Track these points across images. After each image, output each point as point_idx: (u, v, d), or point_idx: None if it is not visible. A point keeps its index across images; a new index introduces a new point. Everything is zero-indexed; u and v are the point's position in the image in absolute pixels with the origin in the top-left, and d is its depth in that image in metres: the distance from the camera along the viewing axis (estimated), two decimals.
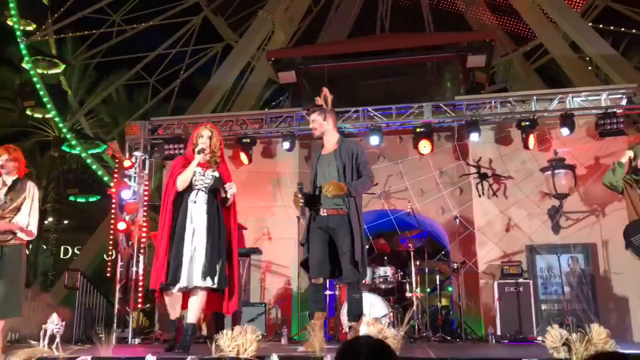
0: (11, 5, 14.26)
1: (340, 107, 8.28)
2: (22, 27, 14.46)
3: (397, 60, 10.32)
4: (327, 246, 4.67)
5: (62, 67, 15.58)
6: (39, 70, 14.61)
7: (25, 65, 14.68)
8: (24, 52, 14.49)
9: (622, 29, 15.79)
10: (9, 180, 5.40)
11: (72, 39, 17.72)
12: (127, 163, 9.24)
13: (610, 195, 8.14)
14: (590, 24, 15.33)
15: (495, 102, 9.00)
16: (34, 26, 14.75)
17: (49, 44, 15.97)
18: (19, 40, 14.43)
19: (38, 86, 14.29)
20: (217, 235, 4.62)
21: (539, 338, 6.42)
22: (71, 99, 16.31)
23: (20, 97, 14.86)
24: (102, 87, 17.78)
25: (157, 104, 18.62)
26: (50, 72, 15.14)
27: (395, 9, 19.21)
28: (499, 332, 7.60)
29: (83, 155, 14.83)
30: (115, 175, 9.45)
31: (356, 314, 4.53)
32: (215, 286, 4.52)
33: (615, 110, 8.42)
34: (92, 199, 16.11)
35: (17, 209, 5.23)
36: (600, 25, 15.32)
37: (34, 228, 5.32)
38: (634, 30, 15.64)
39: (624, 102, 8.60)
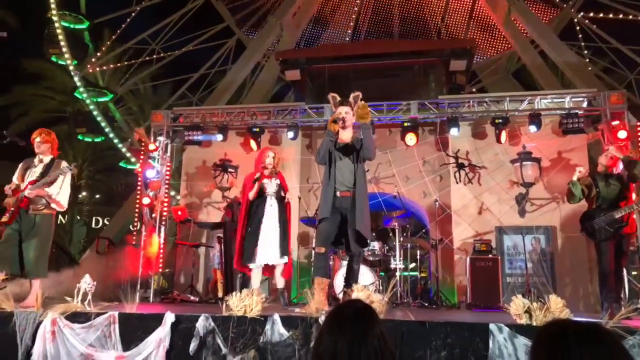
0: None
1: None
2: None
3: (389, 63, 10.26)
4: (336, 222, 4.72)
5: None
6: (64, 24, 14.53)
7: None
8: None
9: (582, 44, 15.74)
10: (46, 159, 5.43)
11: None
12: (151, 147, 9.23)
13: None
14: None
15: (473, 102, 8.95)
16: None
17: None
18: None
19: (60, 36, 14.23)
20: (285, 226, 5.58)
21: (505, 306, 6.49)
22: (91, 53, 16.05)
23: (46, 44, 14.77)
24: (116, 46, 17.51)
25: (180, 96, 18.56)
26: (75, 26, 15.05)
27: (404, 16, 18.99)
28: (469, 301, 7.63)
29: (87, 101, 14.71)
30: (142, 157, 9.44)
31: (352, 282, 4.56)
32: (287, 261, 5.50)
33: (577, 111, 8.39)
34: (97, 140, 15.97)
35: (51, 183, 5.26)
36: (568, 41, 15.24)
37: (63, 201, 5.35)
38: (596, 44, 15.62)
39: (584, 104, 8.56)
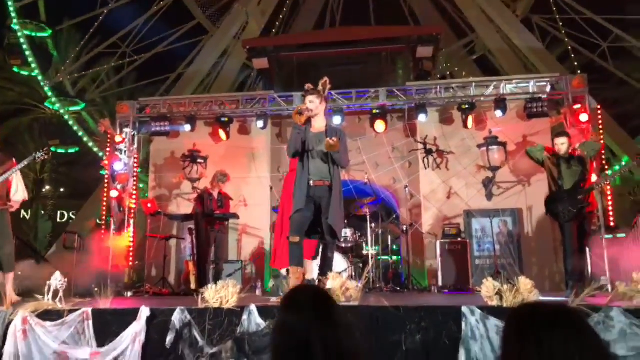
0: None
1: None
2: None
3: (357, 50, 10.28)
4: (311, 212, 4.73)
5: (50, 31, 14.95)
6: (27, 32, 14.05)
7: (14, 26, 14.05)
8: (13, 14, 13.85)
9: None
10: None
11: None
12: (118, 138, 9.07)
13: (535, 168, 8.33)
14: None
15: (440, 88, 9.05)
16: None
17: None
18: (9, 3, 13.75)
19: (24, 46, 13.77)
20: None
21: (475, 288, 6.65)
22: (57, 62, 15.63)
23: (8, 55, 14.30)
24: (83, 52, 17.05)
25: (144, 87, 18.17)
26: (38, 34, 14.56)
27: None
28: (440, 284, 7.77)
29: (62, 112, 14.37)
30: (108, 149, 9.25)
31: (327, 270, 4.60)
32: None
33: (540, 95, 8.58)
34: (71, 150, 15.62)
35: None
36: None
37: (21, 197, 5.29)
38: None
39: (548, 88, 8.76)
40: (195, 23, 17.34)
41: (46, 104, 14.88)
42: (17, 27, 13.81)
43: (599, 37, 15.27)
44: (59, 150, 15.76)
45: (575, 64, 14.24)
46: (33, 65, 13.82)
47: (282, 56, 10.45)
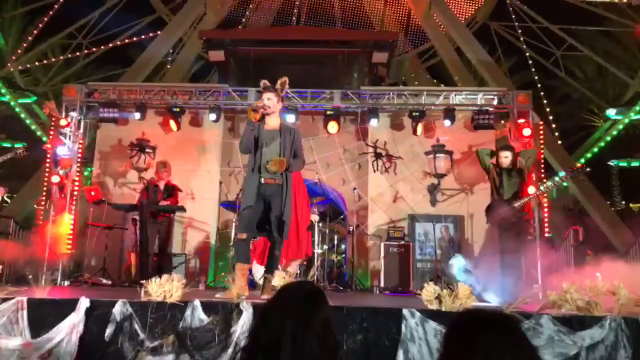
0: None
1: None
2: None
3: (314, 50, 10.34)
4: (259, 209, 4.70)
5: (34, 98, 14.43)
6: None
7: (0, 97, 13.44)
8: None
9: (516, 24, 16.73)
10: None
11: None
12: (63, 122, 8.71)
13: (477, 177, 8.70)
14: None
15: (392, 94, 9.21)
16: None
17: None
18: None
19: (23, 116, 13.18)
20: None
21: (416, 291, 6.82)
22: (4, 50, 14.95)
23: None
24: (36, 42, 16.32)
25: (91, 69, 17.58)
26: (23, 101, 13.96)
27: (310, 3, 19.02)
28: (382, 285, 7.94)
29: (12, 104, 13.75)
30: (52, 132, 8.88)
31: (274, 268, 4.61)
32: None
33: (488, 108, 8.90)
34: (17, 145, 14.96)
35: None
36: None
37: None
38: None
39: (495, 102, 9.09)
40: (157, 16, 16.90)
41: None
42: None
43: (554, 45, 15.96)
44: (4, 144, 14.99)
45: (530, 72, 14.92)
46: None
47: (239, 50, 10.38)
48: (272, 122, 4.86)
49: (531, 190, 6.46)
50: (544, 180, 8.49)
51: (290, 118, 8.69)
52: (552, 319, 3.57)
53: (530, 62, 15.65)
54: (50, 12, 15.09)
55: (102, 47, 16.38)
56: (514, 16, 15.76)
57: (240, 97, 9.14)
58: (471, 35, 15.06)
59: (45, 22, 15.31)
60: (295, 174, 5.58)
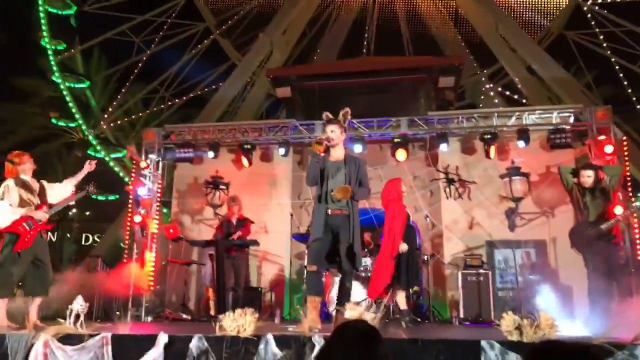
0: (43, 28, 14.21)
1: None
2: (53, 46, 14.44)
3: (378, 80, 10.37)
4: (328, 240, 4.72)
5: (87, 83, 15.58)
6: (68, 84, 14.60)
7: (55, 79, 14.64)
8: (54, 67, 14.44)
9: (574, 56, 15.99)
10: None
11: (97, 56, 17.76)
12: (143, 164, 9.25)
13: (558, 199, 8.27)
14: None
15: (461, 118, 9.05)
16: (64, 45, 14.71)
17: (77, 62, 15.96)
18: (50, 57, 14.38)
19: (67, 98, 14.31)
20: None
21: (496, 321, 6.51)
22: (95, 110, 16.28)
23: (47, 108, 14.91)
24: (123, 98, 17.67)
25: (170, 114, 18.61)
26: (76, 86, 15.13)
27: (379, 32, 19.22)
28: (462, 315, 7.65)
29: (107, 159, 14.83)
30: (133, 175, 9.44)
31: (345, 300, 4.58)
32: None
33: (564, 126, 8.51)
34: (111, 198, 16.01)
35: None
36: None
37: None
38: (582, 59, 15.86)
39: (571, 119, 8.69)
40: (231, 63, 17.80)
41: (89, 152, 15.48)
42: (59, 80, 14.40)
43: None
44: (60, 123, 16.12)
45: (614, 84, 14.01)
46: (77, 116, 14.41)
47: (304, 85, 10.61)
48: (337, 154, 4.90)
49: (618, 210, 6.04)
50: (633, 199, 7.95)
51: (358, 148, 8.72)
52: None
53: (617, 67, 14.57)
54: (136, 70, 16.35)
55: (184, 97, 17.43)
56: (593, 22, 14.92)
57: (308, 131, 9.30)
58: (542, 52, 14.60)
59: (131, 80, 16.63)
60: (394, 208, 6.12)
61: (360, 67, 10.94)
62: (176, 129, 10.00)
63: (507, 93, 17.86)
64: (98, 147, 14.86)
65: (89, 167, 5.80)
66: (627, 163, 8.19)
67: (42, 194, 5.48)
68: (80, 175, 5.82)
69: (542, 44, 16.33)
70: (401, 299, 6.42)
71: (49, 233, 5.78)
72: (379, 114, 9.29)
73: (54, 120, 15.12)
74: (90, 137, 14.76)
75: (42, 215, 5.31)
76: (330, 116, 4.93)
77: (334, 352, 1.71)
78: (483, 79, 18.12)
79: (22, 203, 5.30)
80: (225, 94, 15.31)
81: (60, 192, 5.66)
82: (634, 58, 14.88)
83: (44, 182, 5.63)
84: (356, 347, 1.70)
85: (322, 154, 4.78)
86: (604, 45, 14.76)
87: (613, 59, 14.55)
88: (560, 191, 7.77)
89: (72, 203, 5.63)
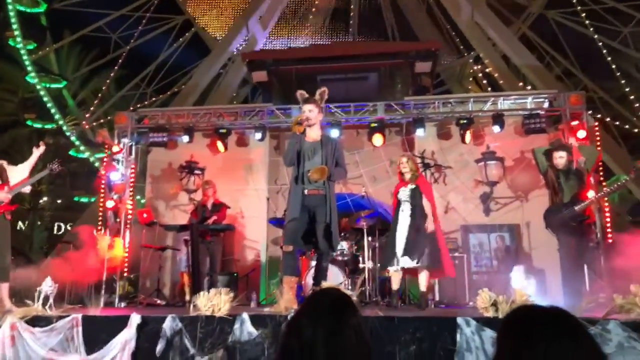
0: (14, 26, 13.77)
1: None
2: (24, 46, 14.03)
3: (356, 65, 10.31)
4: (304, 221, 4.70)
5: (64, 82, 15.25)
6: (43, 84, 14.24)
7: (31, 80, 14.27)
8: (29, 68, 14.04)
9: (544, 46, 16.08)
10: None
11: (71, 50, 17.36)
12: (115, 149, 9.04)
13: (532, 184, 8.37)
14: (528, 30, 15.69)
15: (438, 103, 9.07)
16: (34, 45, 14.30)
17: (50, 61, 15.59)
18: (24, 57, 13.97)
19: (46, 99, 13.97)
20: (418, 230, 5.85)
21: (471, 303, 6.57)
22: (74, 110, 15.95)
23: (22, 110, 14.55)
24: (106, 97, 17.35)
25: (142, 96, 18.29)
26: (52, 86, 14.79)
27: (362, 17, 19.05)
28: (437, 298, 7.71)
29: (91, 159, 14.55)
30: (105, 159, 9.23)
31: (321, 280, 4.56)
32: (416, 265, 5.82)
33: (538, 111, 8.59)
34: (48, 126, 15.75)
35: None
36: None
37: None
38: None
39: (546, 105, 8.78)
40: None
41: (71, 152, 15.23)
42: (34, 81, 14.01)
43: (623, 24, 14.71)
44: (36, 125, 15.80)
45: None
46: (57, 117, 14.06)
47: (281, 69, 10.49)
48: (313, 134, 4.86)
49: (590, 194, 6.13)
50: (604, 184, 8.09)
51: (334, 133, 8.65)
52: (621, 324, 3.33)
53: (600, 43, 14.45)
54: (115, 67, 16.06)
55: (168, 92, 17.14)
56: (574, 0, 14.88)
57: (284, 115, 9.22)
58: (517, 40, 14.68)
59: (111, 78, 16.37)
60: (423, 188, 5.90)
61: (338, 52, 10.87)
62: (150, 112, 9.82)
63: (485, 82, 17.92)
64: (82, 148, 14.53)
65: (38, 151, 5.68)
66: (598, 149, 8.31)
67: (2, 174, 5.30)
68: (32, 159, 5.67)
69: (525, 24, 16.42)
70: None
71: (20, 222, 5.65)
72: (356, 99, 9.24)
73: (29, 122, 14.77)
74: (73, 138, 14.42)
75: (3, 196, 5.14)
76: (306, 95, 4.88)
77: (304, 319, 1.65)
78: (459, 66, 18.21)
79: None
80: (199, 79, 15.07)
81: (18, 175, 5.50)
82: (616, 35, 14.92)
83: (3, 163, 5.46)
84: (326, 314, 1.64)
85: (301, 134, 4.73)
86: (586, 22, 14.65)
87: (595, 36, 14.53)
88: (534, 175, 7.88)
89: (35, 182, 5.48)
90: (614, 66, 14.39)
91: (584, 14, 14.66)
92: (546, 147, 6.44)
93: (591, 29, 14.57)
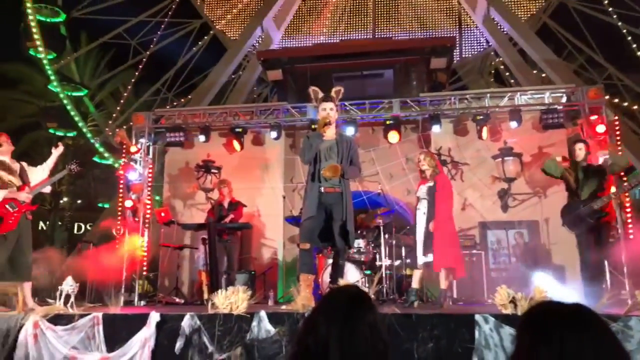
0: (36, 36, 13.98)
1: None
2: (45, 56, 14.26)
3: (370, 62, 10.26)
4: (321, 219, 4.72)
5: (85, 91, 15.51)
6: (66, 92, 14.51)
7: (54, 89, 14.52)
8: (52, 77, 14.27)
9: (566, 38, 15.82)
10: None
11: (88, 53, 17.75)
12: (133, 149, 9.13)
13: (550, 180, 8.22)
14: (548, 19, 15.46)
15: (454, 99, 8.98)
16: (54, 55, 14.53)
17: (71, 69, 15.86)
18: (47, 67, 14.20)
19: (69, 107, 14.22)
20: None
21: (489, 300, 6.52)
22: (97, 116, 16.23)
23: (44, 119, 14.84)
24: (112, 83, 17.60)
25: (162, 101, 18.48)
26: (74, 94, 15.05)
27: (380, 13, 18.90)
28: (455, 296, 7.66)
29: (116, 165, 14.80)
30: (123, 159, 9.33)
31: (337, 277, 4.57)
32: (431, 260, 5.92)
33: (556, 106, 8.48)
34: (70, 134, 15.91)
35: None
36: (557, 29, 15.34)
37: None
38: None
39: (564, 99, 8.66)
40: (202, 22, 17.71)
41: (95, 159, 15.50)
42: (57, 90, 14.32)
43: None
44: (58, 133, 16.03)
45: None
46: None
47: (295, 68, 10.49)
48: (330, 133, 4.89)
49: (612, 190, 6.05)
50: (625, 179, 7.96)
51: (350, 130, 8.64)
52: None
53: (625, 31, 14.08)
54: (137, 73, 16.29)
55: (189, 96, 17.26)
56: None
57: (299, 114, 9.22)
58: (533, 35, 14.50)
59: (132, 84, 16.59)
60: (441, 185, 5.90)
61: (352, 49, 10.83)
62: (166, 112, 9.89)
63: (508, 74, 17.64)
64: (106, 155, 14.76)
65: (57, 152, 5.77)
66: (619, 143, 8.18)
67: (23, 175, 5.39)
68: (51, 161, 5.76)
69: (546, 14, 16.18)
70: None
71: (41, 221, 5.76)
72: (371, 96, 9.21)
73: (52, 131, 15.04)
74: (97, 145, 14.67)
75: (25, 196, 5.22)
76: (320, 93, 4.89)
77: (320, 316, 1.65)
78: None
79: (4, 185, 5.20)
80: (215, 79, 15.16)
81: (38, 175, 5.60)
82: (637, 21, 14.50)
83: (24, 164, 5.55)
84: (343, 312, 1.63)
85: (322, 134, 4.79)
86: (609, 10, 14.27)
87: (619, 23, 14.14)
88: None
89: (55, 182, 5.58)
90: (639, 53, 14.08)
91: (606, 1, 14.35)
92: (554, 159, 6.29)
93: (614, 16, 14.26)
